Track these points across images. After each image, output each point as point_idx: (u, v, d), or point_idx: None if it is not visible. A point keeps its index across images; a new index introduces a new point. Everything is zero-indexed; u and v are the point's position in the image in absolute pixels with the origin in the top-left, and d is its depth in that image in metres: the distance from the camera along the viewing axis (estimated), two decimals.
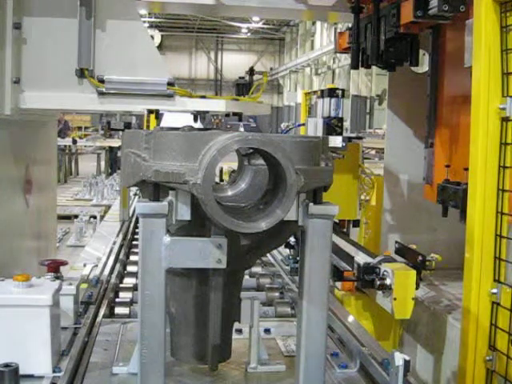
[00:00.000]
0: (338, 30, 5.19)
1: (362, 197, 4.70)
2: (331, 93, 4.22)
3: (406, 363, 1.96)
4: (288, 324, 3.03)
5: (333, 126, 4.12)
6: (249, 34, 39.66)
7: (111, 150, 18.18)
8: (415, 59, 4.07)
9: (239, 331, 2.59)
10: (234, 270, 2.14)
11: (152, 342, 1.92)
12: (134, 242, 5.33)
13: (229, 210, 1.86)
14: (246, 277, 4.11)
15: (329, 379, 2.30)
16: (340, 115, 4.19)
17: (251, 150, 2.01)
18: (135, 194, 7.78)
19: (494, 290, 2.72)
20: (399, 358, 1.99)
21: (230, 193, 2.13)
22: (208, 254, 1.89)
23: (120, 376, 2.31)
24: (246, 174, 2.15)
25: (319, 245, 1.98)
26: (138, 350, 1.97)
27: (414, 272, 3.34)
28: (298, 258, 3.54)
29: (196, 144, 1.85)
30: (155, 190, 1.90)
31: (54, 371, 2.25)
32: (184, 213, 1.91)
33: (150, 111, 3.51)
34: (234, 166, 2.45)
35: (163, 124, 5.56)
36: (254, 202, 1.98)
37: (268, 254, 4.59)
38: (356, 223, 4.73)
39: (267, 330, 2.84)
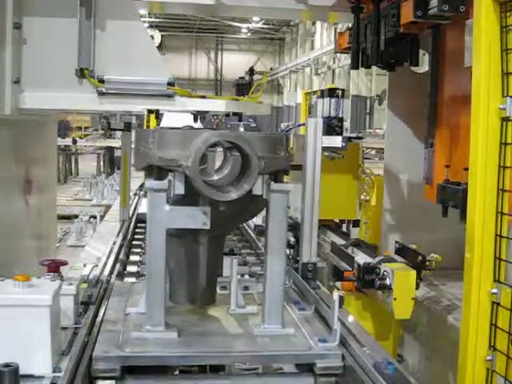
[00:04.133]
0: (338, 30, 5.19)
1: (362, 197, 4.70)
2: (331, 93, 4.22)
3: (341, 298, 2.61)
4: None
5: (333, 125, 4.12)
6: (249, 34, 39.63)
7: (111, 150, 18.18)
8: (415, 59, 4.07)
9: (224, 288, 3.11)
10: (216, 234, 2.81)
11: (156, 285, 2.61)
12: (134, 242, 5.33)
13: (211, 186, 2.52)
14: (246, 277, 4.12)
15: (289, 317, 2.92)
16: (340, 115, 4.19)
17: (231, 145, 2.58)
18: (135, 194, 7.79)
19: (494, 290, 2.72)
20: (335, 295, 2.61)
21: (215, 177, 2.69)
22: (197, 218, 2.55)
23: (131, 315, 2.86)
24: (228, 162, 2.69)
25: (278, 212, 2.69)
26: (145, 293, 2.68)
27: (413, 272, 3.34)
28: (297, 258, 3.56)
29: (188, 138, 2.52)
30: (158, 171, 2.57)
31: (53, 371, 2.25)
32: (179, 188, 2.54)
33: (150, 111, 3.51)
34: None
35: (164, 124, 5.58)
36: (230, 181, 2.62)
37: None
38: (356, 223, 4.73)
39: (246, 288, 3.36)
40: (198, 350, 2.55)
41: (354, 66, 4.41)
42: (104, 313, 2.90)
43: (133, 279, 4.01)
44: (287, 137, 2.82)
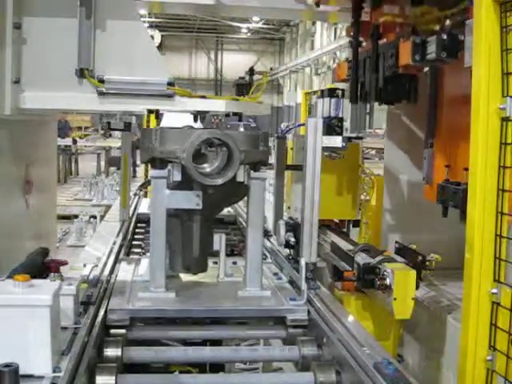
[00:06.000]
0: (337, 62, 5.17)
1: (362, 197, 4.69)
2: (331, 93, 4.21)
3: (308, 265, 3.34)
4: None
5: (333, 126, 4.12)
6: (249, 34, 39.61)
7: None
8: (414, 97, 4.08)
9: (215, 263, 3.64)
10: (208, 214, 3.40)
11: (158, 255, 3.22)
12: (134, 242, 5.33)
13: (203, 174, 3.08)
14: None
15: (268, 284, 3.53)
16: (340, 115, 4.18)
17: (220, 142, 3.10)
18: (135, 194, 7.81)
19: (494, 290, 2.71)
20: (302, 260, 3.31)
21: (208, 169, 3.14)
22: (191, 200, 3.14)
23: (137, 282, 3.46)
24: (219, 157, 3.14)
25: (257, 196, 3.29)
26: (149, 263, 3.37)
27: (413, 272, 3.33)
28: (298, 258, 3.56)
29: (184, 136, 3.07)
30: (160, 162, 3.14)
31: (54, 371, 2.25)
32: (177, 176, 3.10)
33: (150, 111, 3.51)
34: None
35: (164, 125, 5.58)
36: (219, 171, 3.13)
37: (268, 255, 4.58)
38: (356, 223, 4.72)
39: (234, 263, 3.95)
40: (191, 305, 3.17)
41: (353, 100, 4.41)
42: (115, 280, 3.54)
43: None
44: (266, 134, 3.40)
